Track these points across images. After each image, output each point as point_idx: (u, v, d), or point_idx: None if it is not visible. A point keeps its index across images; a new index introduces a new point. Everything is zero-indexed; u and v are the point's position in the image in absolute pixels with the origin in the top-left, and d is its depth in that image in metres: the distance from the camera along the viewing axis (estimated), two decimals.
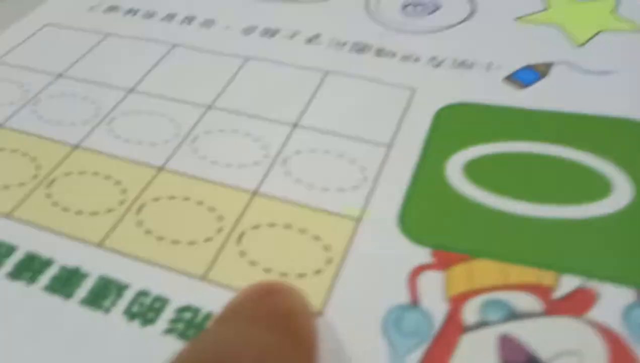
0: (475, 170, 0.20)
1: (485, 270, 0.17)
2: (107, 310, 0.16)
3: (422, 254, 0.17)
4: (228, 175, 0.20)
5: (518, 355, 0.15)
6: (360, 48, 0.25)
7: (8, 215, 0.19)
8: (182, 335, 0.15)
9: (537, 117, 0.21)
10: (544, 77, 0.23)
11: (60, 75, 0.24)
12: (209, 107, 0.22)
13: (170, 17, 0.28)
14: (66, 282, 0.17)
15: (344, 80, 0.24)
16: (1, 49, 0.26)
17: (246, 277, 0.17)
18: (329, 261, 0.17)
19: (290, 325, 0.14)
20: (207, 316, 0.16)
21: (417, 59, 0.25)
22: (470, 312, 0.16)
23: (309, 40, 0.26)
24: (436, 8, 0.28)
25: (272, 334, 0.13)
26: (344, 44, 0.26)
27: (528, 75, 0.23)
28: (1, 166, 0.20)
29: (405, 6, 0.28)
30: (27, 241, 0.18)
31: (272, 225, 0.18)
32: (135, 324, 0.16)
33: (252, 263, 0.17)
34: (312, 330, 0.15)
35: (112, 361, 0.15)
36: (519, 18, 0.27)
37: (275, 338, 0.13)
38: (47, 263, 0.17)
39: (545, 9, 0.27)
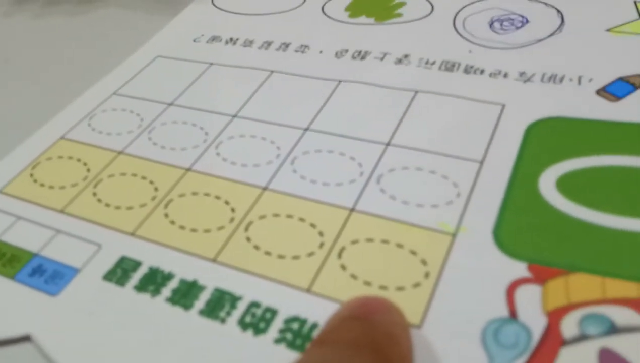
0: (569, 184, 0.20)
1: (582, 285, 0.17)
2: (223, 321, 0.18)
3: (519, 268, 0.18)
4: (326, 193, 0.21)
5: None
6: (449, 66, 0.26)
7: (132, 234, 0.21)
8: (291, 345, 0.17)
9: (632, 129, 0.21)
10: (639, 88, 0.23)
11: (170, 104, 0.26)
12: (306, 129, 0.24)
13: (267, 44, 0.29)
14: (185, 294, 0.18)
15: (433, 99, 0.24)
16: (118, 82, 0.28)
17: (348, 290, 0.18)
18: (426, 275, 0.18)
19: (386, 351, 0.14)
20: (313, 327, 0.17)
21: (506, 75, 0.25)
22: (569, 326, 0.16)
23: (399, 61, 0.27)
24: (524, 23, 0.28)
25: (374, 359, 0.14)
26: (433, 62, 0.26)
27: (621, 88, 0.23)
28: (124, 189, 0.22)
29: (492, 22, 0.29)
30: (149, 257, 0.20)
31: (370, 240, 0.19)
32: (249, 334, 0.17)
33: (353, 276, 0.18)
34: (408, 354, 0.15)
35: None
36: (610, 29, 0.27)
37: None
38: (168, 277, 0.19)
39: (637, 19, 0.27)
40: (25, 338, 0.18)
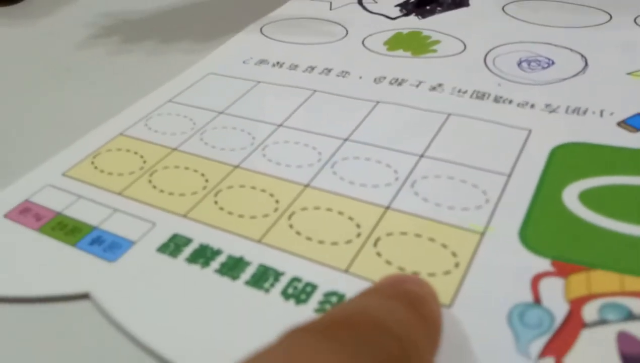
0: (591, 197, 0.21)
1: (603, 279, 0.18)
2: (267, 291, 0.19)
3: (543, 263, 0.19)
4: (363, 193, 0.23)
5: (636, 348, 0.16)
6: (480, 95, 0.28)
7: (184, 216, 0.22)
8: None
9: None
10: None
11: (221, 113, 0.29)
12: (346, 140, 0.26)
13: (310, 68, 0.32)
14: (233, 267, 0.20)
15: (465, 121, 0.26)
16: (173, 92, 0.31)
17: (383, 273, 0.19)
18: (456, 265, 0.19)
19: (422, 309, 0.16)
20: None
21: (532, 106, 0.27)
22: (589, 312, 0.17)
23: (433, 88, 0.29)
24: (550, 64, 0.31)
25: (409, 312, 0.16)
26: (465, 91, 0.29)
27: None
28: (177, 179, 0.24)
29: (520, 62, 0.31)
30: (200, 235, 0.21)
31: (403, 233, 0.21)
32: (291, 303, 0.19)
33: (388, 262, 0.20)
34: (439, 317, 0.17)
35: (272, 331, 0.18)
36: (631, 73, 0.29)
37: (413, 315, 0.15)
38: (217, 252, 0.21)
39: None
40: (84, 296, 0.20)
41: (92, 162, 0.26)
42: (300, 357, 0.13)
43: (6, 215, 0.23)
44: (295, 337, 0.14)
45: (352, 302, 0.16)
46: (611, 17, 0.35)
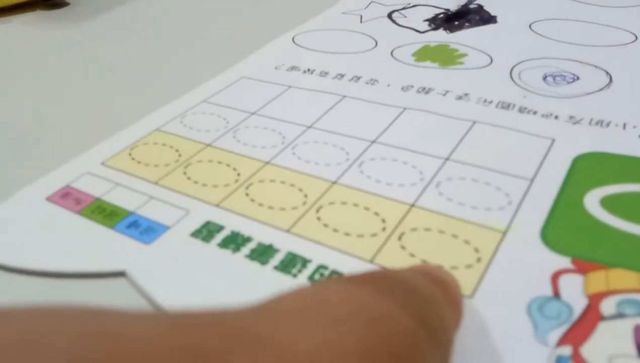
0: (612, 203, 0.22)
1: (622, 277, 0.19)
2: (294, 276, 0.20)
3: (563, 261, 0.20)
4: (389, 191, 0.24)
5: None
6: (505, 105, 0.29)
7: (217, 206, 0.23)
8: None
9: None
10: None
11: (253, 113, 0.30)
12: (373, 142, 0.27)
13: (340, 75, 0.33)
14: (262, 253, 0.21)
15: (490, 129, 0.27)
16: (207, 92, 0.32)
17: (406, 264, 0.20)
18: (478, 260, 0.20)
19: (445, 287, 0.16)
20: None
21: (556, 117, 0.28)
22: (607, 306, 0.18)
23: (459, 98, 0.30)
24: (575, 79, 0.31)
25: (434, 285, 0.15)
26: (490, 101, 0.29)
27: None
28: (211, 171, 0.25)
29: (545, 77, 0.32)
30: (231, 223, 0.22)
31: (427, 229, 0.22)
32: None
33: (412, 255, 0.20)
34: (461, 299, 0.17)
35: None
36: None
37: (438, 289, 0.15)
38: (247, 239, 0.22)
39: None
40: (121, 274, 0.21)
41: (130, 154, 0.27)
42: (329, 292, 0.13)
43: (48, 198, 0.24)
44: (332, 279, 0.14)
45: (381, 271, 0.16)
46: (636, 37, 0.36)
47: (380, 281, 0.14)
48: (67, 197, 0.24)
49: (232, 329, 0.11)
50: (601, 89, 0.30)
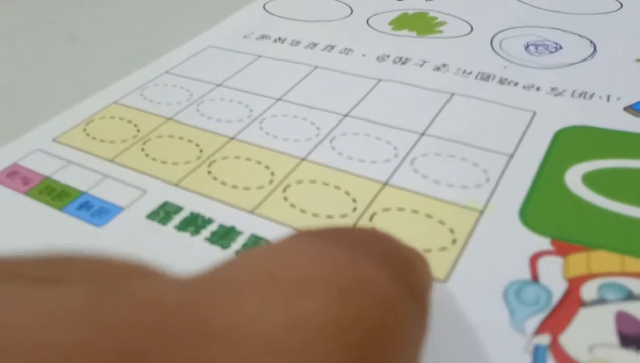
0: (594, 179, 0.21)
1: (603, 259, 0.18)
2: None
3: (542, 242, 0.18)
4: (361, 168, 0.22)
5: (634, 328, 0.16)
6: (485, 77, 0.28)
7: (176, 184, 0.22)
8: None
9: None
10: None
11: (219, 85, 0.28)
12: (345, 115, 0.25)
13: (312, 45, 0.31)
14: (224, 236, 0.19)
15: (469, 101, 0.26)
16: (171, 62, 0.30)
17: None
18: (453, 241, 0.19)
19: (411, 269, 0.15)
20: None
21: (538, 88, 0.26)
22: (588, 291, 0.17)
23: (437, 68, 0.28)
24: (558, 49, 0.30)
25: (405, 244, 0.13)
26: (470, 72, 0.28)
27: None
28: (171, 148, 0.24)
29: (527, 46, 0.30)
30: (191, 204, 0.21)
31: (400, 209, 0.20)
32: None
33: None
34: (429, 284, 0.15)
35: None
36: (639, 60, 0.28)
37: (416, 255, 0.14)
38: (208, 221, 0.20)
39: None
40: None
41: (84, 129, 0.25)
42: (293, 254, 0.11)
43: None
44: (295, 235, 0.12)
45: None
46: (622, 5, 0.34)
47: (352, 236, 0.12)
48: (13, 176, 0.23)
49: (175, 319, 0.09)
50: (585, 59, 0.29)
